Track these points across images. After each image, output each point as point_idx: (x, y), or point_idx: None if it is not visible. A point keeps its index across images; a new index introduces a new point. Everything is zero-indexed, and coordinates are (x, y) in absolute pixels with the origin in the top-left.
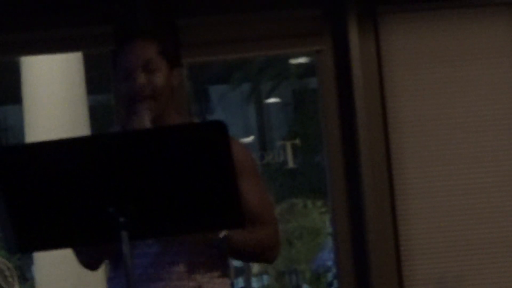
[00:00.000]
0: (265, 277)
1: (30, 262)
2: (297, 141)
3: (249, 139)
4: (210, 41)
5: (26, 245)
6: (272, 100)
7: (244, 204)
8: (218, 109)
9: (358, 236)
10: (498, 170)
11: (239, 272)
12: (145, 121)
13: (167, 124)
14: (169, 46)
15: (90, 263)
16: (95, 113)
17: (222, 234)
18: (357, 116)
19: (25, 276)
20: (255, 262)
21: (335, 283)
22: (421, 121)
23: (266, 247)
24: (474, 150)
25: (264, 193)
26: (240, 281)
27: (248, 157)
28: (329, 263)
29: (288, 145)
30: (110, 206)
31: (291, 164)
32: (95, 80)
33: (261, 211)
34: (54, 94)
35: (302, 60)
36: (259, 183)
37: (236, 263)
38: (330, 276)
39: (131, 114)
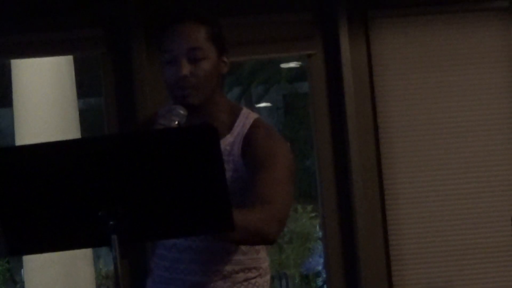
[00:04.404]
0: None
1: (19, 265)
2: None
3: None
4: None
5: (15, 248)
6: (263, 104)
7: (253, 192)
8: None
9: (348, 241)
10: (488, 175)
11: None
12: (172, 122)
13: (212, 113)
14: (219, 30)
15: None
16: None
17: None
18: (347, 120)
19: (15, 279)
20: (254, 241)
21: (325, 287)
22: (412, 126)
23: (264, 223)
24: (465, 155)
25: (278, 181)
26: None
27: (269, 144)
28: (319, 267)
29: None
30: (100, 210)
31: None
32: (86, 83)
33: (271, 198)
34: (45, 97)
35: (292, 64)
36: (275, 171)
37: None
38: (319, 280)
39: (173, 99)
